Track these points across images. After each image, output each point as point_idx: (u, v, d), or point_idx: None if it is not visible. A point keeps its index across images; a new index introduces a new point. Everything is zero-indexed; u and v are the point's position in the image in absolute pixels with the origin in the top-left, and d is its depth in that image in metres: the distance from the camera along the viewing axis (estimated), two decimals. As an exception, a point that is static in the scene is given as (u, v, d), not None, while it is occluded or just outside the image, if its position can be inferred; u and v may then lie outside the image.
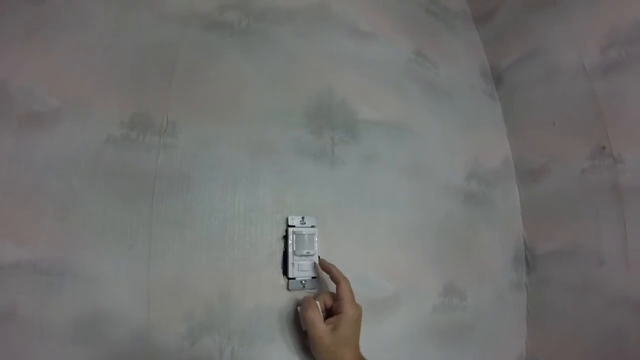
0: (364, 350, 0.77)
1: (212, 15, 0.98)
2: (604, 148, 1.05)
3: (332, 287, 0.85)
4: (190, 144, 0.87)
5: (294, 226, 0.91)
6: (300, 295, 0.89)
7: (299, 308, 0.83)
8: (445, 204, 1.18)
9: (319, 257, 0.92)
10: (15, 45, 0.79)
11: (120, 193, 0.78)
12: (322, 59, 1.09)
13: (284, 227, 0.92)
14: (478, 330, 1.13)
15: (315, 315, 0.75)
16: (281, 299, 0.88)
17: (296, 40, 1.07)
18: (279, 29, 1.05)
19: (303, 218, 0.92)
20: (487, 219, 1.25)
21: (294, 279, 0.88)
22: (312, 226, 0.93)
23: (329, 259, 0.92)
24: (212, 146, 0.89)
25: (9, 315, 0.65)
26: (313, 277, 0.90)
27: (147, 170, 0.82)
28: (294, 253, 0.88)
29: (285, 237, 0.91)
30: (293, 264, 0.88)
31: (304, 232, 0.90)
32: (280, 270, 0.90)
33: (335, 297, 0.80)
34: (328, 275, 0.86)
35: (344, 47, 1.14)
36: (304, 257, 0.89)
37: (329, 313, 0.80)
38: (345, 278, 0.81)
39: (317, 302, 0.80)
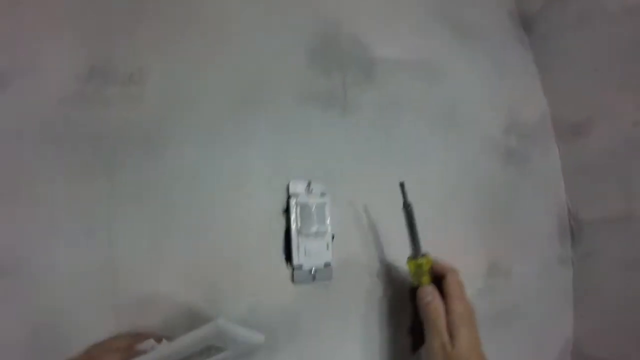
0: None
1: None
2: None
3: (347, 276, 0.63)
4: (160, 93, 0.61)
5: (297, 195, 0.64)
6: (309, 289, 0.64)
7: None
8: (483, 160, 0.94)
9: (333, 235, 0.67)
10: None
11: (73, 165, 0.55)
12: (327, -12, 0.82)
13: (284, 196, 0.65)
14: (523, 314, 0.93)
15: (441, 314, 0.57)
16: (285, 296, 0.62)
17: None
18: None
19: (309, 183, 0.65)
20: (528, 181, 1.02)
21: (300, 267, 0.62)
22: (322, 194, 0.66)
23: (344, 236, 0.67)
24: (188, 95, 0.62)
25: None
26: (326, 265, 0.64)
27: (105, 132, 0.57)
28: (299, 232, 0.62)
29: (287, 211, 0.64)
30: (298, 247, 0.62)
31: (310, 203, 0.63)
32: (283, 256, 0.63)
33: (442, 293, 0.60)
34: (346, 261, 0.62)
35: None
36: (312, 237, 0.62)
37: None
38: (453, 268, 0.62)
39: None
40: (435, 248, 0.76)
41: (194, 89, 0.64)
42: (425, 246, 0.68)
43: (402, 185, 0.66)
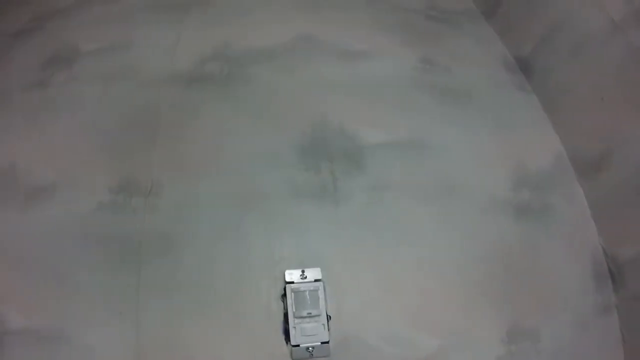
0: None
1: (192, 70, 0.94)
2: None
3: (347, 353, 0.69)
4: (175, 203, 0.80)
5: (292, 282, 0.74)
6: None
7: None
8: (489, 224, 0.93)
9: (329, 317, 0.75)
10: (19, 130, 0.87)
11: (109, 259, 0.75)
12: (311, 88, 0.97)
13: (282, 284, 0.75)
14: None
15: None
16: (285, 373, 0.71)
17: (278, 75, 0.97)
18: (259, 69, 0.96)
19: (303, 271, 0.75)
20: (550, 233, 0.97)
21: (297, 346, 0.70)
22: (317, 280, 0.75)
23: (342, 317, 0.74)
24: (197, 202, 0.80)
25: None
26: (323, 343, 0.71)
27: (133, 234, 0.77)
28: (294, 315, 0.71)
29: (285, 296, 0.74)
30: (295, 327, 0.70)
31: (302, 289, 0.72)
32: (282, 336, 0.72)
33: None
34: (344, 340, 0.70)
35: (335, 72, 1.01)
36: (307, 319, 0.71)
37: None
38: None
39: None
40: (445, 320, 0.79)
41: (199, 196, 0.81)
42: (431, 322, 0.75)
43: None
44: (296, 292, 0.72)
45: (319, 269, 0.76)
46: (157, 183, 0.81)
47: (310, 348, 0.70)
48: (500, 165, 1.01)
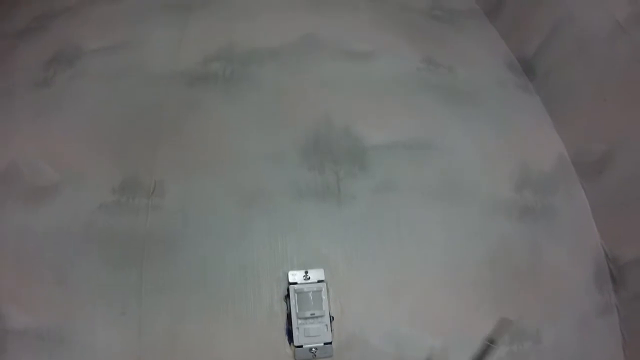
0: None
1: (196, 70, 0.93)
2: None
3: (350, 354, 0.69)
4: (178, 202, 0.79)
5: (295, 283, 0.73)
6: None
7: None
8: (493, 225, 0.92)
9: (332, 317, 0.74)
10: (23, 128, 0.86)
11: (111, 259, 0.74)
12: (315, 88, 0.95)
13: (285, 285, 0.74)
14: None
15: None
16: (289, 372, 0.70)
17: (282, 75, 0.95)
18: (263, 69, 0.95)
19: (306, 272, 0.74)
20: (552, 234, 0.96)
21: (301, 346, 0.69)
22: (320, 280, 0.74)
23: (345, 318, 0.74)
24: (200, 202, 0.79)
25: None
26: (326, 343, 0.71)
27: (135, 234, 0.76)
28: (298, 315, 0.70)
29: (288, 297, 0.73)
30: (298, 328, 0.70)
31: (305, 290, 0.72)
32: (286, 337, 0.71)
33: None
34: (347, 340, 0.69)
35: (339, 72, 0.99)
36: (310, 320, 0.70)
37: None
38: None
39: None
40: (446, 320, 0.78)
41: (203, 196, 0.80)
42: (433, 322, 0.74)
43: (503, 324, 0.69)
44: (299, 292, 0.72)
45: (322, 270, 0.76)
46: (160, 183, 0.80)
47: (313, 349, 0.70)
48: (503, 165, 1.00)
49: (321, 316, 0.71)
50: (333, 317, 0.73)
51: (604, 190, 0.99)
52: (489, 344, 0.64)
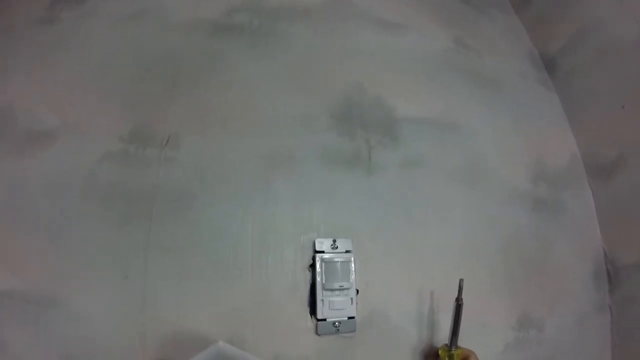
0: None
1: (219, 20, 0.82)
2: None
3: (371, 329, 0.66)
4: (194, 157, 0.69)
5: (322, 252, 0.67)
6: (333, 341, 0.65)
7: None
8: (510, 213, 0.91)
9: (358, 290, 0.69)
10: (22, 69, 0.72)
11: (114, 216, 0.64)
12: (348, 55, 0.88)
13: (310, 253, 0.68)
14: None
15: None
16: (308, 348, 0.64)
17: (315, 36, 0.87)
18: (293, 27, 0.86)
19: (334, 241, 0.68)
20: (560, 229, 0.97)
21: (324, 320, 0.64)
22: (347, 251, 0.69)
23: (369, 292, 0.69)
24: (219, 159, 0.70)
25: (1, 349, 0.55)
26: (349, 318, 0.66)
27: (144, 189, 0.66)
28: (324, 287, 0.65)
29: (313, 266, 0.67)
30: (323, 300, 0.64)
31: (336, 260, 0.66)
32: (307, 309, 0.66)
33: None
34: (370, 315, 0.64)
35: (371, 41, 0.92)
36: (337, 292, 0.65)
37: None
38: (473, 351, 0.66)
39: None
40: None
41: (223, 153, 0.72)
42: (449, 304, 0.69)
43: (460, 281, 0.68)
44: (327, 262, 0.66)
45: (350, 240, 0.70)
46: (175, 136, 0.70)
47: (337, 323, 0.65)
48: (522, 155, 1.00)
49: (347, 289, 0.66)
50: (358, 291, 0.68)
51: (611, 193, 1.01)
52: (459, 304, 0.66)
